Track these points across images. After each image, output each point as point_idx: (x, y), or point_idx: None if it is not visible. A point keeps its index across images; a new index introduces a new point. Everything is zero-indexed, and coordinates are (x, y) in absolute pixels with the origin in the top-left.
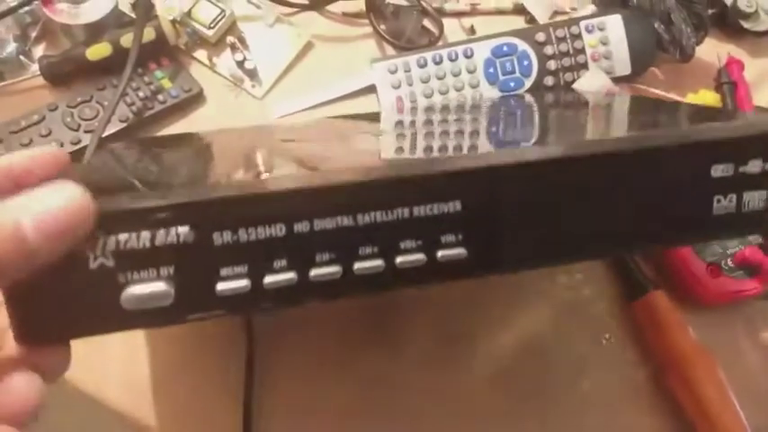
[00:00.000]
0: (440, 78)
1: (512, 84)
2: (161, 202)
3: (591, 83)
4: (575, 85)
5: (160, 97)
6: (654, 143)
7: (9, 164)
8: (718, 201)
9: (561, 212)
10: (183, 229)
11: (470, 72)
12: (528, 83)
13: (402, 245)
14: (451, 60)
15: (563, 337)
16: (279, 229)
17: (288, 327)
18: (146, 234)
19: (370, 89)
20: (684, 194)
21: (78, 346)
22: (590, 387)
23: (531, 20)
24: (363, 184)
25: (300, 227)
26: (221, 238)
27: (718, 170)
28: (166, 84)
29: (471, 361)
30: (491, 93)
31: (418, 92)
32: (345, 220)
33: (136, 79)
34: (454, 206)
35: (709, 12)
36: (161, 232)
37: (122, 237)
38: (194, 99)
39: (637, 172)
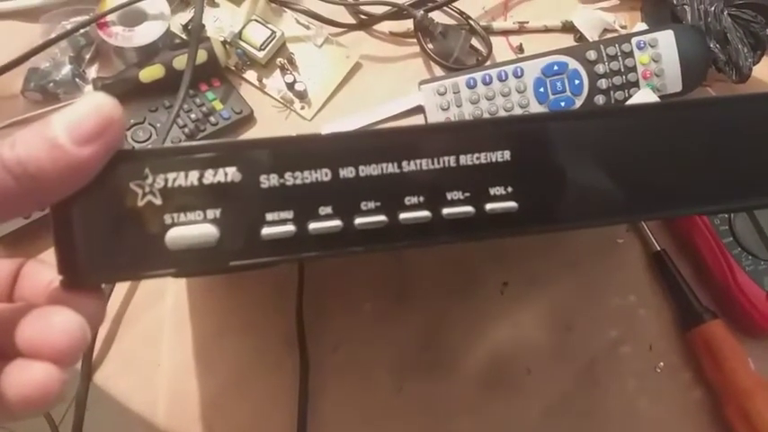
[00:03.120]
0: (489, 99)
1: (562, 103)
2: (209, 142)
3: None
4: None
5: (212, 119)
6: (714, 97)
7: None
8: None
9: (615, 168)
10: (231, 170)
11: (520, 92)
12: (578, 102)
13: (449, 195)
14: (501, 80)
15: (616, 365)
16: (324, 175)
17: (340, 349)
18: (194, 173)
19: (419, 110)
20: (750, 151)
21: (129, 363)
22: (644, 418)
23: (580, 38)
24: (407, 131)
25: (345, 173)
26: (268, 181)
27: None
28: (218, 105)
29: (525, 388)
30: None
31: (467, 113)
32: (390, 168)
33: (187, 101)
34: (503, 156)
35: (767, 31)
36: (209, 172)
37: (171, 175)
38: (245, 121)
39: (699, 127)
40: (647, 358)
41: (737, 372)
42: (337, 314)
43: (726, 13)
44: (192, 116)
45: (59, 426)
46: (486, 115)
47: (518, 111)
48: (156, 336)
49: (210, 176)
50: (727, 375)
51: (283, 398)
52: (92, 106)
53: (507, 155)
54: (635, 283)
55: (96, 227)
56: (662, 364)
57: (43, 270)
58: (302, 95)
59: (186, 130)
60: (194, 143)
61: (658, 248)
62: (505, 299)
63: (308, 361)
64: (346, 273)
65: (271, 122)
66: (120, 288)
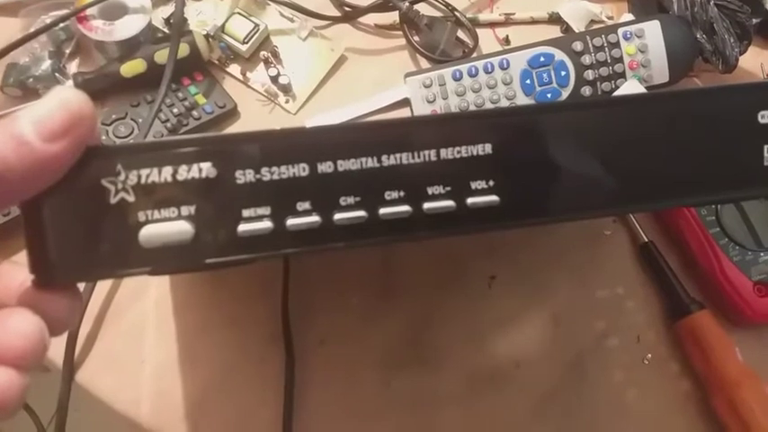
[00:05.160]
0: (475, 91)
1: (548, 95)
2: (183, 137)
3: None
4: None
5: (195, 113)
6: (693, 89)
7: None
8: None
9: (597, 160)
10: (206, 165)
11: (506, 84)
12: (565, 94)
13: (430, 190)
14: (487, 72)
15: (604, 358)
16: (302, 169)
17: (326, 344)
18: (168, 169)
19: (405, 102)
20: (731, 143)
21: (112, 361)
22: (632, 409)
23: (566, 30)
24: (386, 124)
25: (324, 167)
26: (244, 176)
27: (767, 116)
28: (201, 100)
29: (513, 382)
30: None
31: (453, 105)
32: (370, 162)
33: (170, 95)
34: (484, 149)
35: (753, 21)
36: (183, 168)
37: (144, 171)
38: (228, 115)
39: (677, 119)
40: (634, 350)
41: (725, 362)
42: (323, 309)
43: (712, 3)
44: (175, 111)
45: (47, 427)
46: (472, 107)
47: (504, 102)
48: (139, 333)
49: (185, 172)
50: (715, 366)
51: (269, 393)
52: (59, 101)
53: (488, 148)
54: (622, 274)
55: (68, 225)
56: (650, 355)
57: (17, 271)
58: (286, 89)
59: (169, 124)
60: (168, 138)
61: (646, 240)
62: (493, 292)
63: (293, 356)
64: (332, 267)
65: (255, 116)
66: (102, 285)
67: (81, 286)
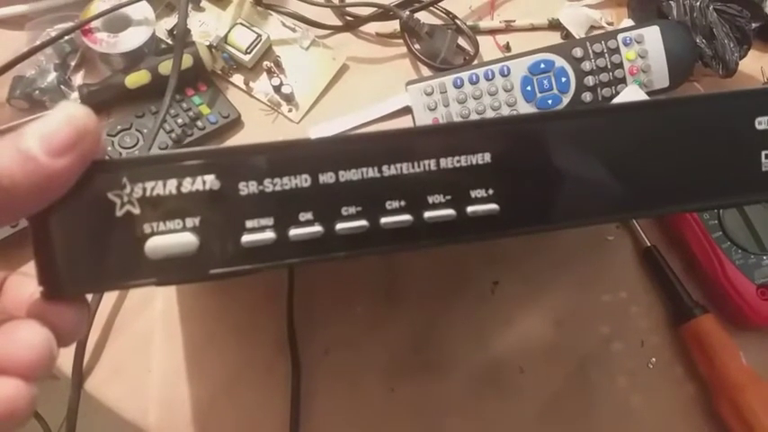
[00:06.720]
0: (476, 98)
1: (549, 101)
2: (187, 150)
3: (629, 99)
4: (613, 102)
5: (199, 123)
6: (689, 96)
7: None
8: (767, 156)
9: (597, 167)
10: (210, 177)
11: (507, 91)
12: (566, 100)
13: (430, 199)
14: (488, 80)
15: (608, 362)
16: (304, 180)
17: (331, 352)
18: (172, 182)
19: (406, 110)
20: (730, 149)
21: (120, 370)
22: (637, 413)
23: (566, 36)
24: (386, 135)
25: (325, 178)
26: (247, 188)
27: (763, 123)
28: (204, 110)
29: (518, 387)
30: (528, 111)
31: (455, 113)
32: (371, 172)
33: (174, 106)
34: (483, 158)
35: (753, 25)
36: (187, 180)
37: (149, 184)
38: (232, 125)
39: (675, 125)
40: (639, 354)
41: (729, 366)
42: (328, 318)
43: (711, 8)
44: (179, 121)
45: None
46: (473, 114)
47: (505, 109)
48: (147, 342)
49: (189, 185)
50: (719, 369)
51: (275, 402)
52: (64, 117)
53: (488, 157)
54: (626, 279)
55: (75, 237)
56: (654, 359)
57: (26, 282)
58: (289, 98)
59: (173, 135)
60: (172, 151)
61: (648, 244)
62: (496, 298)
63: (299, 365)
64: (337, 276)
65: (258, 126)
66: (110, 295)
67: (89, 297)
